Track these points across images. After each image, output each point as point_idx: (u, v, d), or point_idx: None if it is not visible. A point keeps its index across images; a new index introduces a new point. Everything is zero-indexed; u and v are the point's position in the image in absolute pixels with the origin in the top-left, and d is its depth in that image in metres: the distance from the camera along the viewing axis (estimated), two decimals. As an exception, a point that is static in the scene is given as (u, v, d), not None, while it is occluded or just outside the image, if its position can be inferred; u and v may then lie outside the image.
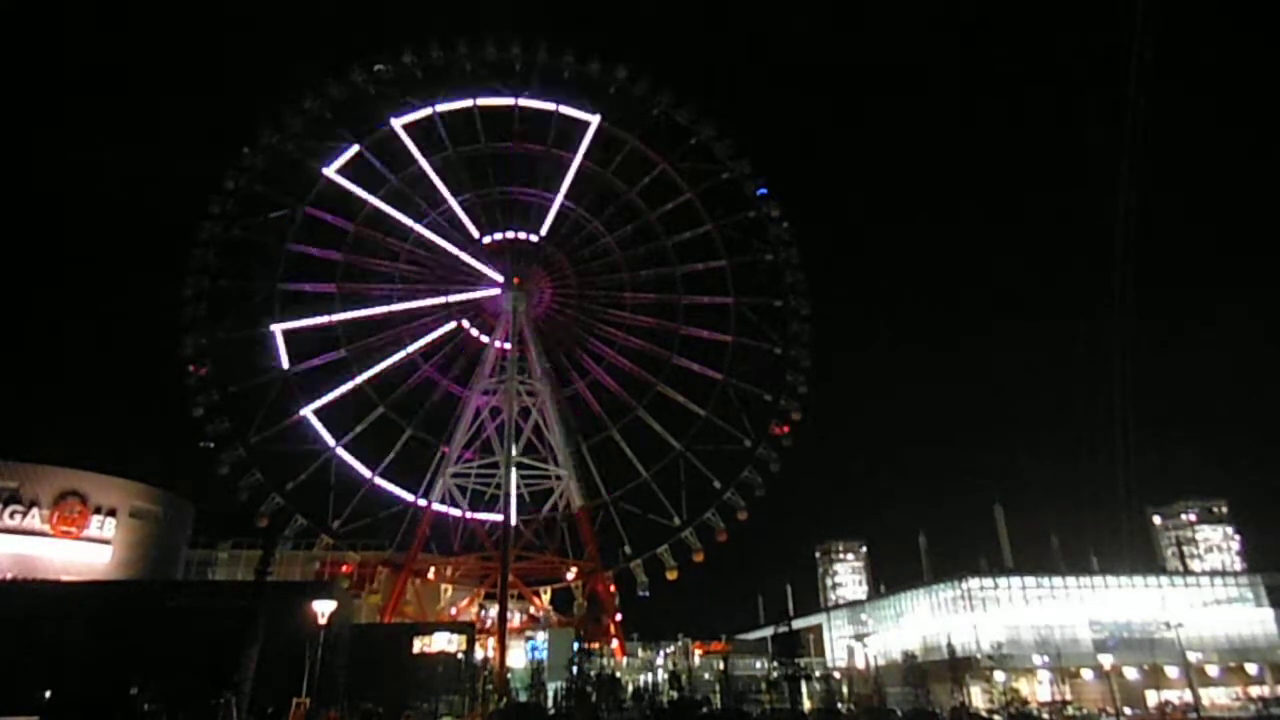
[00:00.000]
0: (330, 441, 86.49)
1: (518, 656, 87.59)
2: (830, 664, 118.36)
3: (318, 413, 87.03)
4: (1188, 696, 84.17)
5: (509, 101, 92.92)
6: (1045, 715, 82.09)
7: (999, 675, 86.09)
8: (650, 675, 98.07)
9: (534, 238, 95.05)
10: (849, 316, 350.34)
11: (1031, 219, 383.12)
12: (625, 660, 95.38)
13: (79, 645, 51.83)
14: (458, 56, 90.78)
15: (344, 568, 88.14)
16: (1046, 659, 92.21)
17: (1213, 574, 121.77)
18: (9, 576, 67.11)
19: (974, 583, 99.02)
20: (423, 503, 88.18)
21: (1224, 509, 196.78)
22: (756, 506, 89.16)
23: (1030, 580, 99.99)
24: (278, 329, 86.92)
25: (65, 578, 68.04)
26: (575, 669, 70.46)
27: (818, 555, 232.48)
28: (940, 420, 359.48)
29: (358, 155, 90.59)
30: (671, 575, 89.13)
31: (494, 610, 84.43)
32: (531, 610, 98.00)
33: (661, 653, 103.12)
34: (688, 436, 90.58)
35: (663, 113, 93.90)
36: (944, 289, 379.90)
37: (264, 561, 52.93)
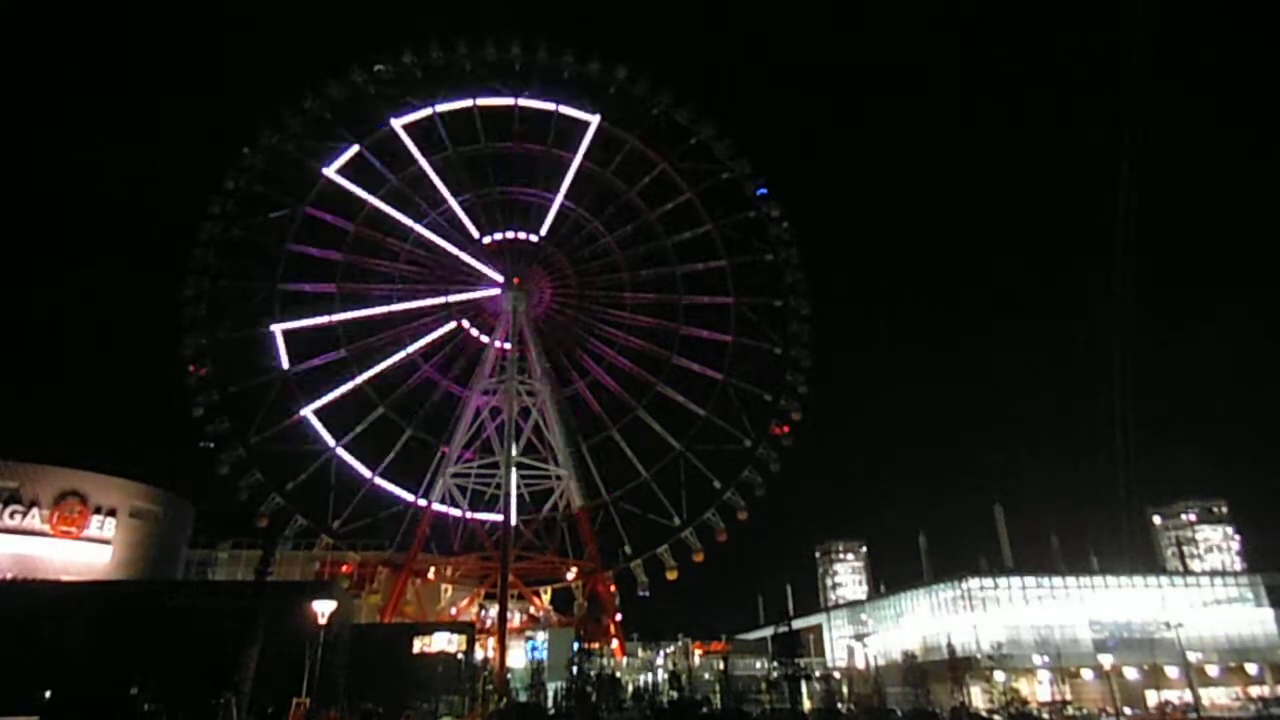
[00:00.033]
0: (330, 441, 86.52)
1: (518, 656, 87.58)
2: (830, 664, 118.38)
3: (318, 413, 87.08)
4: (1188, 696, 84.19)
5: (509, 101, 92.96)
6: (1045, 715, 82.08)
7: (999, 675, 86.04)
8: (650, 675, 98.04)
9: (534, 238, 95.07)
10: (849, 316, 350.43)
11: (1031, 219, 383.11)
12: (625, 660, 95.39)
13: (79, 645, 51.81)
14: (458, 56, 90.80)
15: (344, 568, 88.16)
16: (1046, 659, 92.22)
17: (1213, 574, 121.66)
18: (9, 576, 67.13)
19: (974, 583, 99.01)
20: (423, 503, 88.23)
21: (1224, 509, 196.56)
22: (756, 506, 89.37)
23: (1030, 580, 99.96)
24: (278, 329, 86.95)
25: (65, 578, 68.06)
26: (575, 669, 70.44)
27: (818, 555, 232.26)
28: (940, 420, 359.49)
29: (358, 155, 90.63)
30: (671, 575, 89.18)
31: (494, 610, 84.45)
32: (531, 610, 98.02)
33: (661, 653, 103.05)
34: (688, 436, 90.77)
35: (663, 113, 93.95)
36: (944, 289, 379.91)
37: (264, 561, 52.82)
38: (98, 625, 53.40)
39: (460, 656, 70.74)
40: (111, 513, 76.41)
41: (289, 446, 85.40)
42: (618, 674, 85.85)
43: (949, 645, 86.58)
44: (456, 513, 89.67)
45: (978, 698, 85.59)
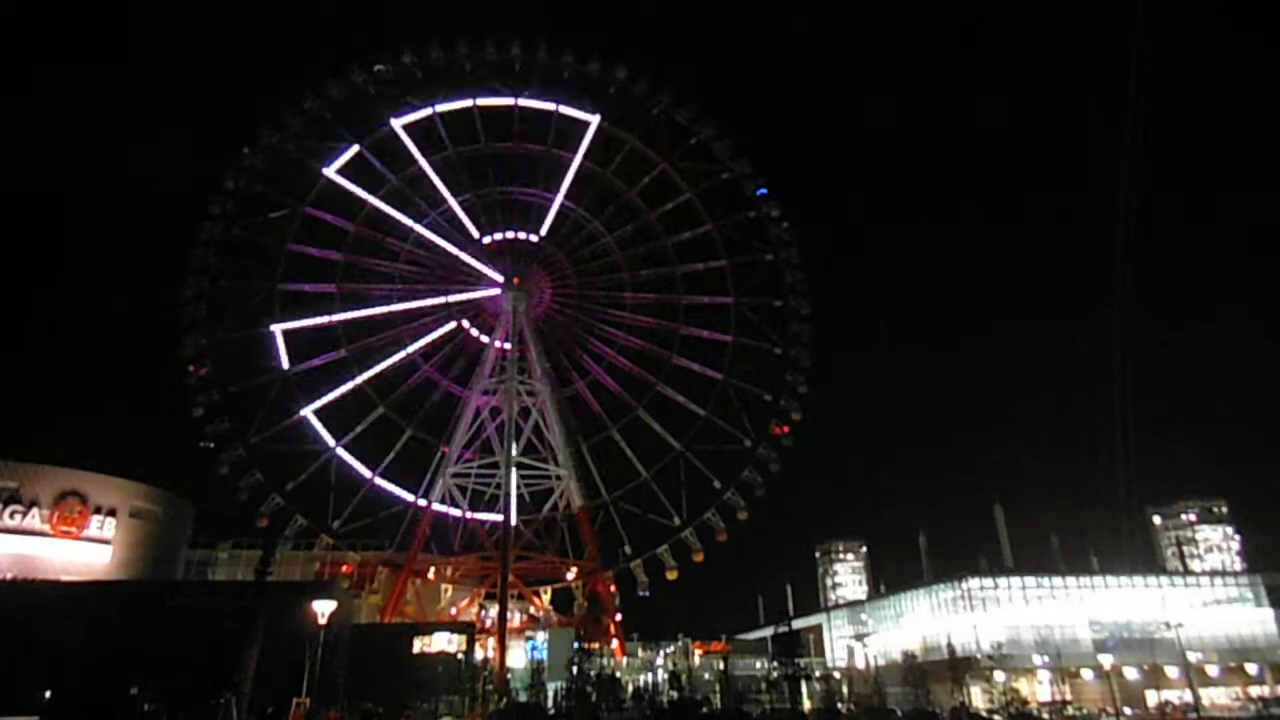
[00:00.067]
0: (330, 441, 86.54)
1: (518, 656, 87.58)
2: (830, 664, 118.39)
3: (318, 413, 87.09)
4: (1188, 696, 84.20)
5: (509, 101, 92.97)
6: (1045, 715, 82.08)
7: (999, 675, 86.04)
8: (650, 675, 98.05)
9: (534, 238, 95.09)
10: (849, 316, 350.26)
11: (1031, 219, 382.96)
12: (625, 660, 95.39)
13: (79, 645, 51.75)
14: (458, 56, 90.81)
15: (344, 568, 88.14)
16: (1046, 659, 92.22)
17: (1213, 574, 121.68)
18: (9, 576, 67.13)
19: (974, 583, 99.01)
20: (423, 503, 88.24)
21: (1224, 509, 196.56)
22: (756, 506, 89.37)
23: (1030, 580, 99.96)
24: (278, 329, 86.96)
25: (65, 578, 68.03)
26: (575, 669, 70.39)
27: (818, 555, 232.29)
28: (940, 420, 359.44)
29: (358, 155, 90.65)
30: (671, 575, 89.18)
31: (494, 610, 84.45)
32: (531, 610, 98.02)
33: (661, 653, 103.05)
34: (688, 436, 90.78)
35: (663, 113, 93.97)
36: (944, 289, 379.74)
37: (264, 561, 52.80)
38: (98, 625, 53.37)
39: (460, 656, 70.73)
40: (111, 513, 76.41)
41: (289, 446, 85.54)
42: (618, 674, 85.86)
43: (949, 645, 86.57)
44: (456, 513, 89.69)
45: (978, 698, 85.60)
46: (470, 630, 75.74)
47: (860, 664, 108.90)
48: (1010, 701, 76.94)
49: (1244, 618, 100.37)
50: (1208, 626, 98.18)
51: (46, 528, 72.37)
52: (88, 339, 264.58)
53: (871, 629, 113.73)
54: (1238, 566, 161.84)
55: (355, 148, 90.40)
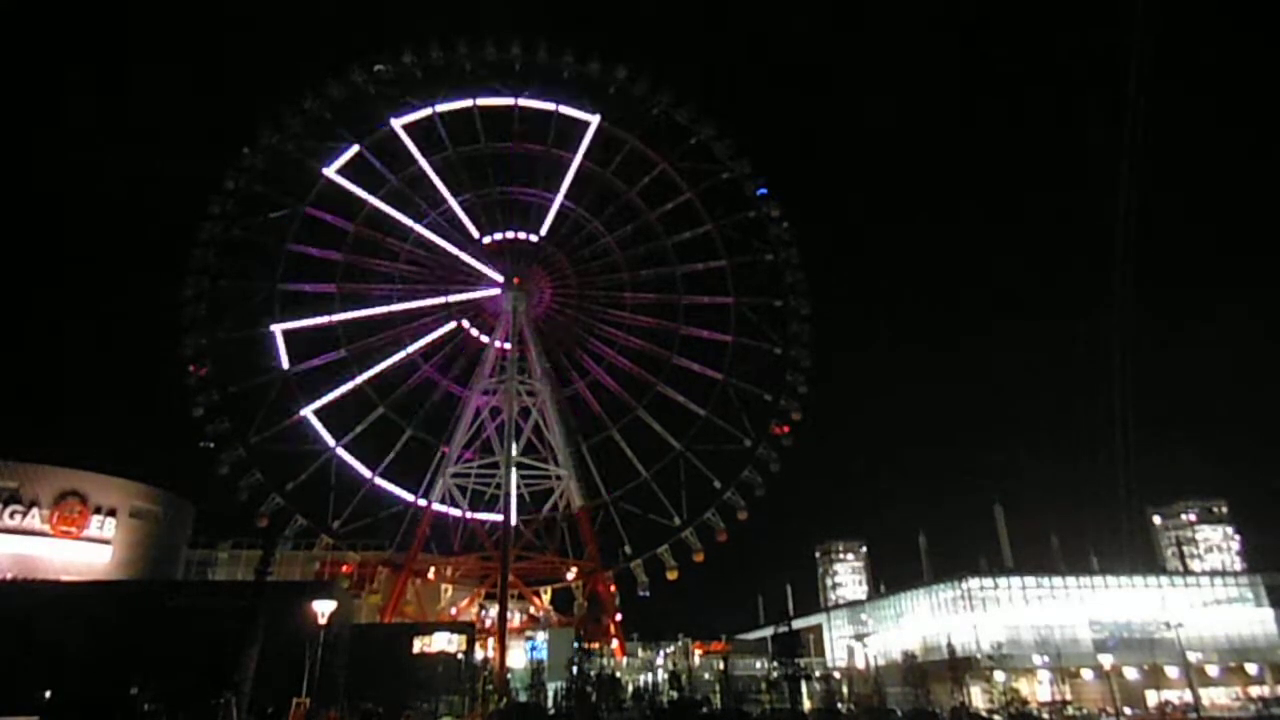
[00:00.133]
0: (330, 441, 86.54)
1: (518, 656, 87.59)
2: (830, 664, 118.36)
3: (318, 413, 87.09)
4: (1188, 696, 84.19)
5: (509, 101, 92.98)
6: (1045, 715, 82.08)
7: (999, 675, 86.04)
8: (650, 675, 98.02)
9: (534, 238, 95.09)
10: (849, 316, 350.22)
11: (1031, 219, 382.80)
12: (625, 660, 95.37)
13: (79, 645, 51.78)
14: (458, 56, 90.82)
15: (344, 568, 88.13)
16: (1046, 659, 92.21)
17: (1213, 574, 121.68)
18: (9, 576, 67.14)
19: (974, 583, 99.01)
20: (423, 503, 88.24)
21: (1224, 509, 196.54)
22: (756, 506, 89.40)
23: (1030, 580, 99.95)
24: (278, 329, 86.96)
25: (65, 578, 68.05)
26: (575, 669, 70.41)
27: (818, 555, 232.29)
28: (940, 420, 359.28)
29: (358, 155, 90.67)
30: (671, 575, 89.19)
31: (494, 610, 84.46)
32: (531, 610, 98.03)
33: (661, 653, 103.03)
34: (688, 436, 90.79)
35: (663, 113, 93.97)
36: (944, 289, 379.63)
37: (264, 561, 52.83)
38: (98, 625, 53.39)
39: (460, 656, 70.74)
40: (111, 513, 76.41)
41: (289, 446, 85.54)
42: (618, 674, 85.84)
43: (949, 645, 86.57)
44: (456, 513, 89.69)
45: (978, 698, 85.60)
46: (470, 630, 75.76)
47: (860, 664, 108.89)
48: (1010, 701, 76.94)
49: (1244, 618, 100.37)
50: (1208, 626, 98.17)
51: (46, 528, 72.38)
52: (88, 339, 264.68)
53: (871, 629, 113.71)
54: (1238, 566, 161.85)
55: (355, 148, 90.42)
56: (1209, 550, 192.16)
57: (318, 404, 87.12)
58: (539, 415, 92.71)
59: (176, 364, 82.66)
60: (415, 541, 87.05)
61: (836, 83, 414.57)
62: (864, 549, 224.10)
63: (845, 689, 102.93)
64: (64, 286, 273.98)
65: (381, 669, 62.87)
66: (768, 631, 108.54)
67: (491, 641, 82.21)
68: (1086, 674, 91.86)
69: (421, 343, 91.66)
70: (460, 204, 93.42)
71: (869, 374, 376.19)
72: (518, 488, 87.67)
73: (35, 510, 72.07)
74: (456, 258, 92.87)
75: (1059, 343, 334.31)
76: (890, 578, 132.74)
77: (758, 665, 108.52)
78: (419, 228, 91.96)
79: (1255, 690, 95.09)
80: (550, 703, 73.73)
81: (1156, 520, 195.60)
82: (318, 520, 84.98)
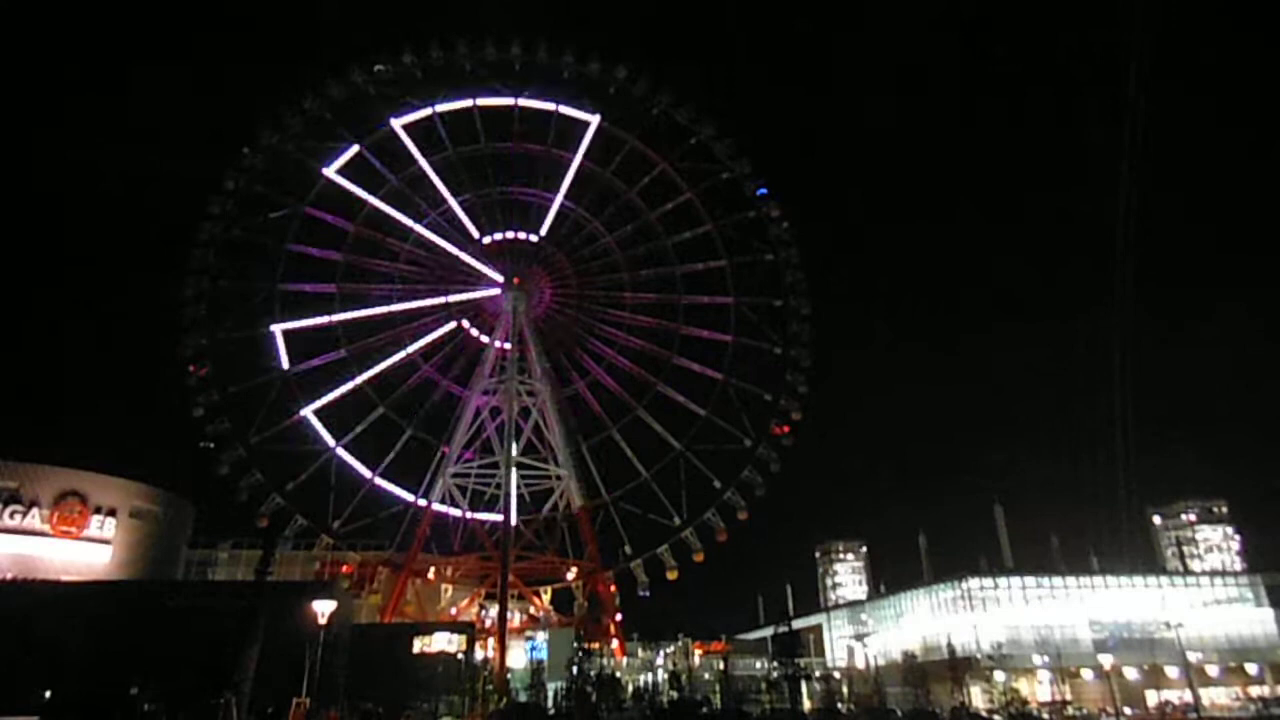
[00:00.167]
0: (330, 441, 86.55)
1: (518, 656, 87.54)
2: (830, 664, 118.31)
3: (318, 413, 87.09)
4: (1188, 696, 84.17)
5: (509, 101, 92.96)
6: (1045, 715, 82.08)
7: (999, 675, 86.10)
8: (650, 675, 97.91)
9: (534, 238, 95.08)
10: (849, 316, 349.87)
11: (1031, 219, 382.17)
12: (625, 660, 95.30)
13: (79, 645, 51.91)
14: (457, 56, 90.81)
15: (344, 568, 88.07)
16: (1046, 659, 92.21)
17: (1213, 574, 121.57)
18: (9, 576, 67.19)
19: (974, 583, 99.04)
20: (423, 503, 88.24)
21: (1224, 509, 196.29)
22: (756, 506, 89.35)
23: (1030, 580, 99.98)
24: (278, 329, 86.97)
25: (65, 578, 68.14)
26: (575, 669, 70.38)
27: (818, 555, 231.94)
28: (940, 420, 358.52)
29: (358, 155, 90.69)
30: (671, 575, 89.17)
31: (494, 610, 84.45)
32: (531, 610, 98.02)
33: (661, 653, 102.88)
34: (688, 436, 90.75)
35: (662, 113, 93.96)
36: (944, 289, 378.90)
37: (264, 561, 52.94)
38: (98, 625, 53.50)
39: (460, 656, 70.82)
40: (111, 513, 76.50)
41: (289, 446, 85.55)
42: (618, 674, 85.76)
43: (949, 645, 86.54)
44: (456, 513, 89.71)
45: (978, 698, 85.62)
46: (470, 630, 75.82)
47: (860, 664, 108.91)
48: (1010, 701, 76.94)
49: (1244, 618, 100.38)
50: (1208, 626, 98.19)
51: (46, 528, 72.47)
52: (88, 339, 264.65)
53: (871, 629, 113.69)
54: (1238, 566, 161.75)
55: (355, 148, 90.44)
56: (1209, 550, 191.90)
57: (318, 404, 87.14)
58: (539, 415, 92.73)
59: (176, 364, 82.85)
60: (415, 541, 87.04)
61: (836, 83, 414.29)
62: (864, 549, 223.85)
63: (845, 689, 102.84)
64: (64, 286, 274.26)
65: (381, 669, 62.91)
66: (768, 631, 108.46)
67: (491, 641, 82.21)
68: (1086, 674, 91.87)
69: (421, 343, 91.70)
70: (460, 204, 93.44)
71: (869, 374, 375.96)
72: (518, 488, 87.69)
73: (35, 510, 72.18)
74: (456, 258, 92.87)
75: (1059, 343, 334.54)
76: (890, 578, 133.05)
77: (758, 665, 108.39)
78: (419, 228, 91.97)
79: (1255, 690, 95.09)
80: (550, 703, 73.70)
81: (1156, 520, 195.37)
82: (318, 520, 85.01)
